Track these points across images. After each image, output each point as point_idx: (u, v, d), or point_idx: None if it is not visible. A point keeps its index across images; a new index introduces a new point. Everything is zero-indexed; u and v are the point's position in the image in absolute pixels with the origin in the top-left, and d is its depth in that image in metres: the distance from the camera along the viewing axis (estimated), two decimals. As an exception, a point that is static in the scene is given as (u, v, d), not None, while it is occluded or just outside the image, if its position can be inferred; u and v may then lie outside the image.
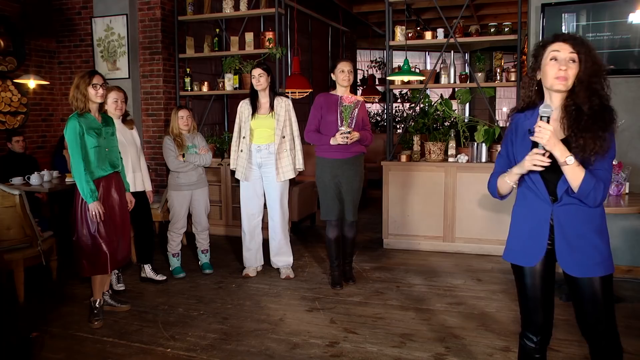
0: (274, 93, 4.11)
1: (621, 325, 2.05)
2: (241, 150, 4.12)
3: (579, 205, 1.86)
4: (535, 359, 2.06)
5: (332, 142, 3.75)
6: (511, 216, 2.06)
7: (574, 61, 1.82)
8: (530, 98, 1.97)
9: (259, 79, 4.02)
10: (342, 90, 3.87)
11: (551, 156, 1.79)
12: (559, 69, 1.81)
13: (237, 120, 4.18)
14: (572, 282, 1.93)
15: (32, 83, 5.61)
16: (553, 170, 1.83)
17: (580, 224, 1.87)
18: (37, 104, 5.97)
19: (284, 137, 4.08)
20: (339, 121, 3.77)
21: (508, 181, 1.95)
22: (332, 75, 3.92)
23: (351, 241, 4.08)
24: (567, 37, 1.86)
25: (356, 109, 3.78)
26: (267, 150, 4.08)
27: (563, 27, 4.08)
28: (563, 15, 4.07)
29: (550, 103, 1.88)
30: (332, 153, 3.83)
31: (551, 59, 1.84)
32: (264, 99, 4.09)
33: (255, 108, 4.08)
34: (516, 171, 1.90)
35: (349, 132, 3.69)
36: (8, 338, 2.85)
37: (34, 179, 4.62)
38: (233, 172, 4.32)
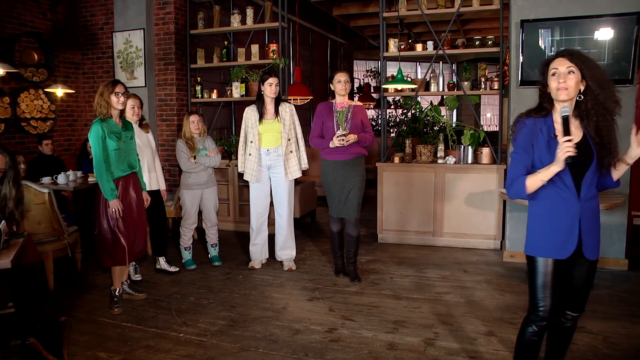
0: (278, 99, 4.06)
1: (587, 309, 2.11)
2: (249, 154, 4.07)
3: (593, 199, 1.97)
4: (537, 342, 2.07)
5: (331, 145, 3.72)
6: (534, 215, 2.02)
7: (572, 72, 1.87)
8: (546, 108, 1.98)
9: (275, 88, 3.95)
10: (340, 99, 3.82)
11: (580, 155, 1.83)
12: (558, 82, 1.88)
13: (243, 125, 4.11)
14: (580, 265, 2.01)
15: (59, 92, 5.60)
16: (579, 169, 1.89)
17: (593, 216, 1.98)
18: (64, 111, 5.97)
19: (289, 139, 4.04)
20: (335, 126, 3.74)
21: (543, 179, 1.91)
22: (331, 85, 3.88)
23: (354, 240, 3.84)
24: (565, 53, 1.92)
25: (349, 113, 3.72)
26: (276, 152, 4.04)
27: (540, 42, 4.06)
28: (540, 30, 4.05)
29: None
30: (333, 155, 3.79)
31: (552, 74, 1.90)
32: (270, 105, 4.01)
33: (261, 114, 4.02)
34: (554, 168, 1.86)
35: (345, 135, 3.65)
36: (42, 321, 2.85)
37: (61, 178, 4.63)
38: (241, 174, 4.25)
